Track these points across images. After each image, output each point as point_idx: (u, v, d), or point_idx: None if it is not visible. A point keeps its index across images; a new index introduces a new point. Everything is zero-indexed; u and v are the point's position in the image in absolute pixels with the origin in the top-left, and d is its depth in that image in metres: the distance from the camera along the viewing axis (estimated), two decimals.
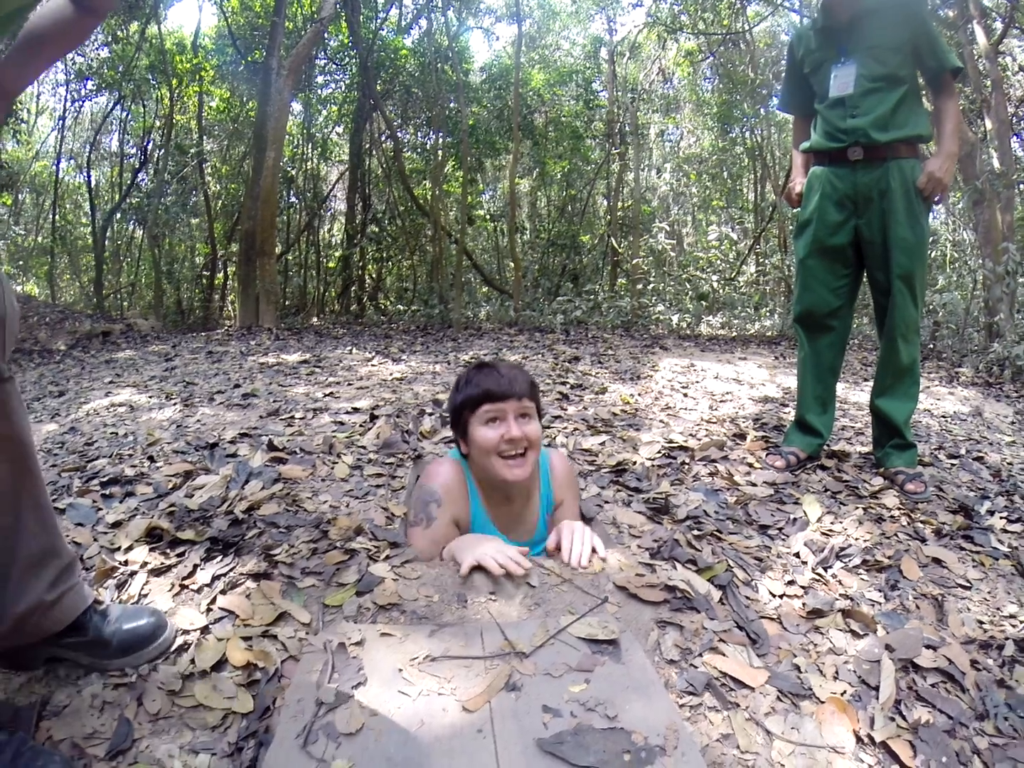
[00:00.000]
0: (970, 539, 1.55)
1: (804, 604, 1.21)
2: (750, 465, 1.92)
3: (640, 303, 7.26)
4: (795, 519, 1.56)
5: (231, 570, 1.16)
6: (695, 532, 1.44)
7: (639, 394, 3.02)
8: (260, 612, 1.05)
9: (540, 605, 1.15)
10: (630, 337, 5.82)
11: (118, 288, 10.66)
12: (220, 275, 9.30)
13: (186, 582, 1.12)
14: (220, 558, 1.20)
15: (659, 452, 2.00)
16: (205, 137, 8.94)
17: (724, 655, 1.09)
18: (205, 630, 1.01)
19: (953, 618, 1.22)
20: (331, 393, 2.78)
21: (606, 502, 1.62)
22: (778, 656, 1.11)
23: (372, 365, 3.83)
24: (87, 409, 2.71)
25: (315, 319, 8.30)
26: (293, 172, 8.84)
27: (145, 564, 1.16)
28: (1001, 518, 1.68)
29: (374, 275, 10.24)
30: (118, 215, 9.77)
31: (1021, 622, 1.23)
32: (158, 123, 8.48)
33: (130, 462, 1.74)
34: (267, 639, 1.01)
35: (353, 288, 9.69)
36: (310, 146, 9.47)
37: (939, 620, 1.22)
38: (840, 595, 1.25)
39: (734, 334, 6.49)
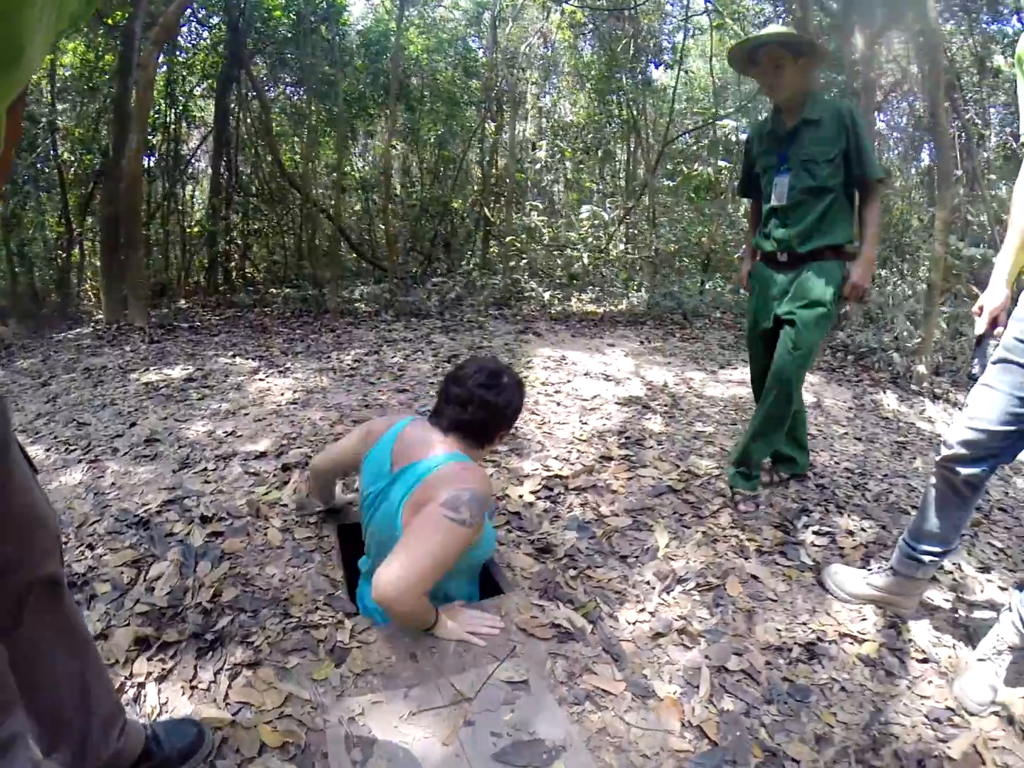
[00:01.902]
0: (784, 554, 2.09)
1: (651, 628, 1.70)
2: (614, 492, 2.41)
3: (513, 279, 7.64)
4: (647, 548, 2.05)
5: (224, 663, 1.44)
6: (571, 571, 1.89)
7: None
8: (269, 698, 1.35)
9: (468, 651, 1.54)
10: (504, 320, 6.19)
11: None
12: (76, 253, 8.45)
13: (193, 683, 1.39)
14: (209, 654, 1.46)
15: (539, 484, 2.43)
16: (58, 102, 7.92)
17: (596, 673, 1.55)
18: (233, 723, 1.30)
19: (759, 628, 1.74)
20: (232, 432, 2.90)
21: (501, 544, 2.03)
22: (633, 669, 1.58)
23: (260, 379, 3.92)
24: None
25: (183, 301, 7.90)
26: (152, 139, 8.14)
27: (149, 674, 1.40)
28: (813, 532, 2.22)
29: (241, 248, 9.78)
30: None
31: (809, 628, 1.76)
32: None
33: (73, 554, 1.86)
34: (285, 719, 1.32)
35: (220, 263, 9.24)
36: (172, 110, 8.70)
37: (749, 630, 1.73)
38: (677, 616, 1.75)
39: (603, 310, 7.08)
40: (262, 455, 2.60)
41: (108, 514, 2.12)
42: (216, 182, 8.96)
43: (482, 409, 1.61)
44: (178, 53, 8.38)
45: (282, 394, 3.56)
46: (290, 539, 1.97)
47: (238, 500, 2.19)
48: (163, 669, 1.42)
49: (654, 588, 1.86)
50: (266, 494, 2.23)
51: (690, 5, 8.92)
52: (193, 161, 10.17)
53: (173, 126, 8.78)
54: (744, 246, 2.70)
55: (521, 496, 2.33)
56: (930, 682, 1.63)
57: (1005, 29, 9.93)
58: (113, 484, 2.38)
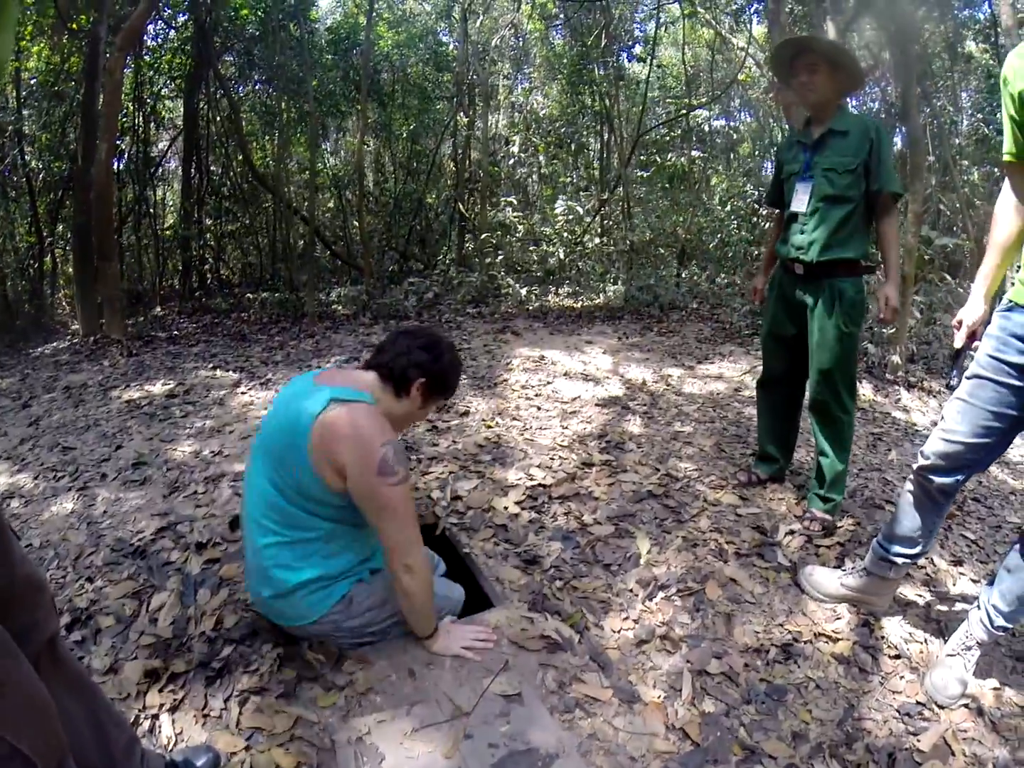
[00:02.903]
0: (762, 556, 2.18)
1: (635, 635, 1.79)
2: (596, 499, 2.50)
3: (489, 275, 7.68)
4: (630, 556, 2.14)
5: (232, 691, 1.50)
6: (558, 582, 1.98)
7: (498, 414, 3.49)
8: (278, 722, 1.42)
9: (463, 666, 1.62)
10: (482, 319, 6.24)
11: None
12: (47, 261, 8.30)
13: (205, 711, 1.45)
14: (217, 682, 1.52)
15: (523, 494, 2.50)
16: (23, 108, 7.72)
17: (584, 682, 1.64)
18: (247, 748, 1.37)
19: (738, 630, 1.84)
20: (219, 452, 2.93)
21: (490, 557, 2.11)
22: (619, 675, 1.67)
23: (242, 392, 3.94)
24: None
25: (158, 308, 7.83)
26: (120, 142, 8.00)
27: (162, 705, 1.45)
28: (788, 533, 2.32)
29: (215, 251, 9.68)
30: None
31: (786, 629, 1.86)
32: None
33: (72, 588, 1.90)
34: (296, 741, 1.40)
35: (194, 267, 9.15)
36: (140, 112, 8.54)
37: (728, 633, 1.83)
38: (660, 622, 1.85)
39: (580, 305, 7.15)
40: None
41: (103, 544, 2.16)
42: (187, 184, 8.85)
43: (402, 355, 1.59)
44: (145, 54, 8.23)
45: (265, 408, 3.59)
46: None
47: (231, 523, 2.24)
48: (174, 700, 1.48)
49: (637, 596, 1.95)
50: None
51: None
52: (163, 163, 10.01)
53: (141, 128, 8.63)
54: (762, 257, 2.73)
55: (506, 508, 2.40)
56: (902, 677, 1.73)
57: (976, 15, 10.11)
58: (105, 512, 2.41)
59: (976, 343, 1.65)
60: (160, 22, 8.22)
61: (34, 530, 2.32)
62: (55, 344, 5.84)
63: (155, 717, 1.44)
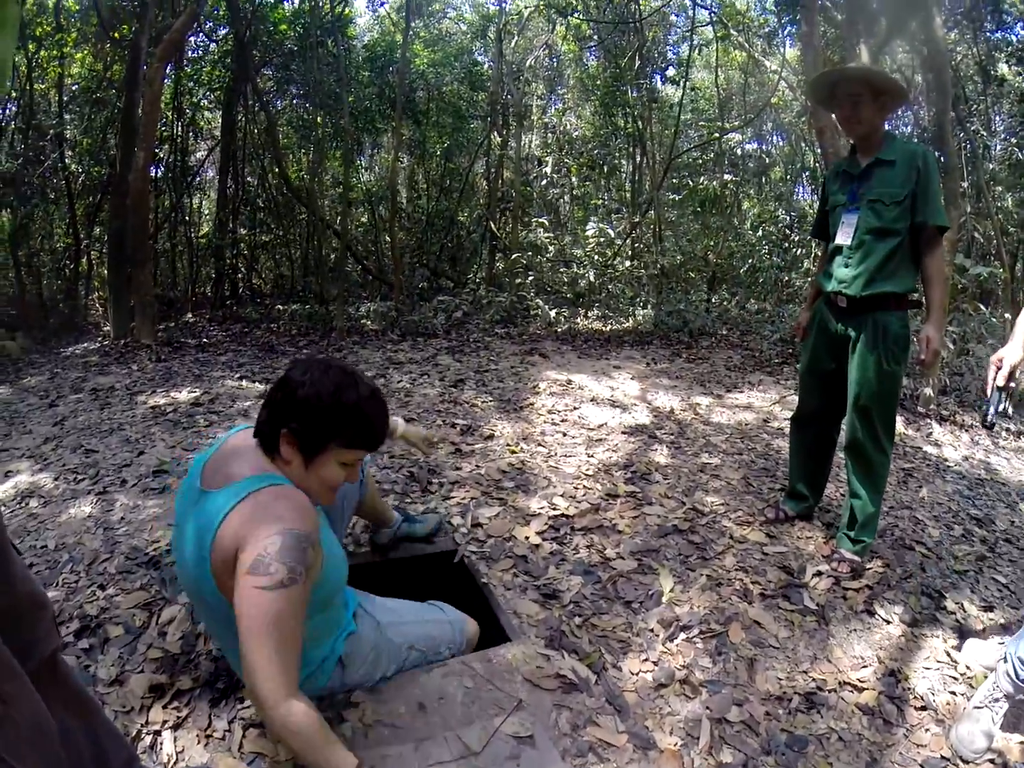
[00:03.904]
0: (788, 598, 2.10)
1: (654, 677, 1.71)
2: (620, 532, 2.43)
3: (519, 296, 7.68)
4: (652, 593, 2.07)
5: (236, 713, 1.46)
6: (577, 618, 1.91)
7: (523, 439, 3.44)
8: (282, 748, 1.37)
9: (475, 702, 1.56)
10: (510, 339, 6.22)
11: None
12: (83, 262, 8.52)
13: (208, 732, 1.41)
14: (223, 702, 1.49)
15: (545, 524, 2.44)
16: (65, 113, 7.98)
17: (599, 725, 1.57)
18: None
19: (760, 676, 1.76)
20: None
21: (508, 589, 2.05)
22: (635, 720, 1.60)
23: None
24: None
25: (190, 315, 7.96)
26: (159, 150, 8.22)
27: (165, 722, 1.42)
28: (814, 574, 2.23)
29: (248, 261, 9.85)
30: None
31: (810, 676, 1.78)
32: (13, 93, 7.47)
33: (84, 594, 1.89)
34: None
35: (227, 275, 9.31)
36: (179, 122, 8.77)
37: (750, 679, 1.75)
38: (680, 665, 1.77)
39: (609, 329, 7.10)
40: None
41: (118, 551, 2.15)
42: (223, 194, 9.05)
43: (266, 406, 1.30)
44: (185, 65, 8.46)
45: None
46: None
47: None
48: (178, 717, 1.45)
49: (658, 636, 1.88)
50: None
51: (695, 16, 8.95)
52: (200, 173, 10.25)
53: (180, 138, 8.86)
54: (810, 289, 2.64)
55: (527, 538, 2.34)
56: (927, 730, 1.65)
57: (1009, 37, 9.94)
58: (122, 519, 2.41)
59: (1012, 384, 1.66)
60: (201, 35, 8.47)
61: (51, 531, 2.31)
62: (85, 345, 5.95)
63: (157, 734, 1.41)
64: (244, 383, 4.51)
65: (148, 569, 2.05)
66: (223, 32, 8.63)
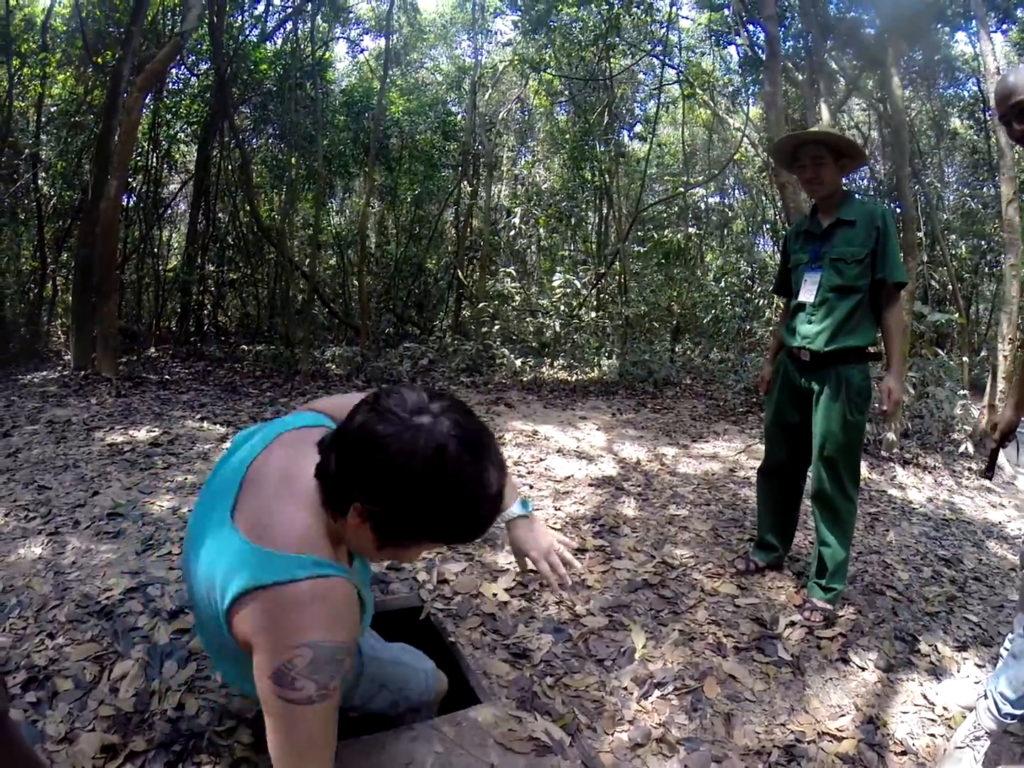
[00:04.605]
0: (762, 650, 2.08)
1: (630, 737, 1.67)
2: (589, 588, 2.38)
3: (485, 344, 7.72)
4: (624, 650, 2.02)
5: None
6: (549, 678, 1.85)
7: None
8: None
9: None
10: (475, 388, 6.21)
11: None
12: (48, 287, 8.29)
13: None
14: (180, 765, 1.40)
15: (514, 581, 2.37)
16: (42, 134, 7.85)
17: None
18: None
19: (738, 731, 1.73)
20: None
21: (477, 648, 1.98)
22: None
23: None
24: None
25: (152, 349, 7.77)
26: (132, 180, 8.13)
27: None
28: (787, 625, 2.22)
29: (214, 298, 9.71)
30: None
31: (788, 728, 1.76)
32: None
33: (32, 643, 1.77)
34: None
35: (192, 311, 9.16)
36: (155, 153, 8.72)
37: (727, 735, 1.72)
38: (656, 723, 1.73)
39: (574, 379, 7.16)
40: None
41: (69, 598, 2.03)
42: (193, 229, 8.97)
43: (335, 446, 0.96)
44: (165, 97, 8.47)
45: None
46: None
47: None
48: None
49: (632, 694, 1.84)
50: None
51: (663, 75, 9.41)
52: (172, 206, 10.18)
53: (155, 169, 8.81)
54: (772, 343, 2.72)
55: (495, 594, 2.28)
56: None
57: (961, 92, 10.67)
58: (74, 563, 2.29)
59: (1007, 443, 1.90)
60: (183, 68, 8.51)
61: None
62: (45, 373, 5.75)
63: None
64: (205, 424, 4.39)
65: (100, 619, 1.93)
66: (204, 67, 8.72)
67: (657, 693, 1.85)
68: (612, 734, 1.68)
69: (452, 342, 7.92)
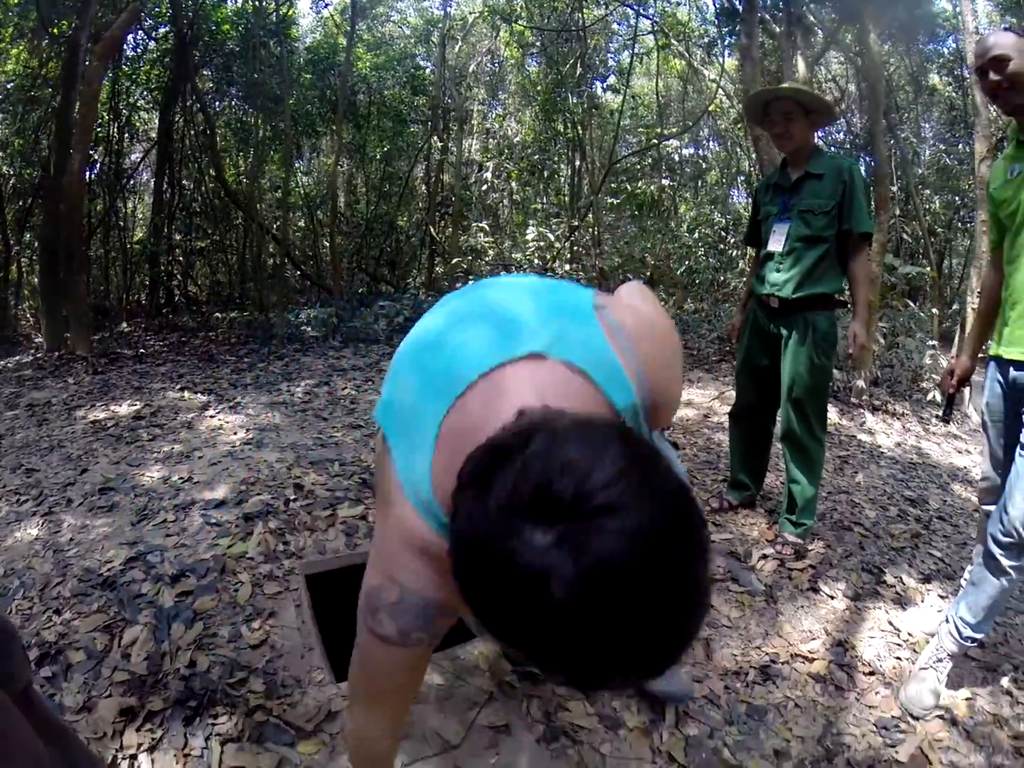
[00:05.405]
0: (737, 580, 2.21)
1: None
2: None
3: None
4: None
5: (213, 730, 1.45)
6: None
7: None
8: (263, 761, 1.38)
9: (448, 698, 1.60)
10: None
11: None
12: (13, 270, 8.07)
13: (186, 751, 1.40)
14: (197, 720, 1.48)
15: None
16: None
17: (569, 710, 1.65)
18: None
19: (716, 654, 1.87)
20: (188, 478, 2.85)
21: None
22: (603, 703, 1.67)
23: (210, 416, 3.86)
24: None
25: (125, 324, 7.66)
26: (93, 152, 7.86)
27: (140, 745, 1.40)
28: (761, 557, 2.36)
29: (183, 267, 9.53)
30: None
31: (763, 651, 1.89)
32: None
33: (40, 621, 1.82)
34: None
35: (162, 282, 9.00)
36: (115, 123, 8.41)
37: (707, 657, 1.86)
38: None
39: None
40: (221, 503, 2.57)
41: (71, 574, 2.08)
42: (158, 198, 8.74)
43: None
44: (124, 63, 8.14)
45: (235, 433, 3.52)
46: (260, 594, 1.98)
47: (202, 554, 2.17)
48: (153, 739, 1.43)
49: None
50: (230, 547, 2.22)
51: (637, 25, 9.21)
52: (135, 176, 9.88)
53: (116, 139, 8.52)
54: (743, 293, 2.80)
55: None
56: (877, 693, 1.79)
57: (941, 49, 10.61)
58: (72, 540, 2.33)
59: (962, 388, 2.03)
60: (141, 32, 8.16)
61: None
62: (18, 358, 5.66)
63: (133, 757, 1.39)
64: (186, 394, 4.38)
65: (104, 590, 1.99)
66: (164, 30, 8.35)
67: None
68: None
69: (426, 299, 7.90)
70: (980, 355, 2.02)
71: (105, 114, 8.06)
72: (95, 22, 6.06)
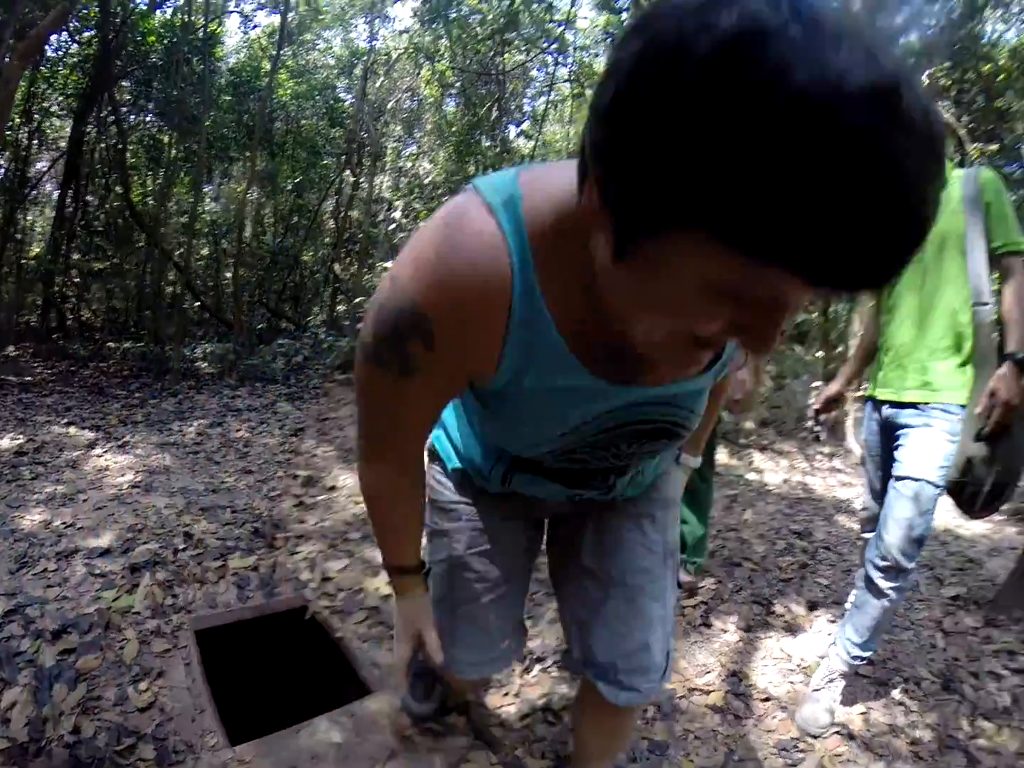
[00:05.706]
0: None
1: (517, 709, 1.84)
2: None
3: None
4: None
5: None
6: None
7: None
8: None
9: (348, 757, 1.59)
10: (350, 386, 6.17)
11: None
12: None
13: None
14: None
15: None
16: None
17: (472, 761, 1.65)
18: None
19: None
20: (71, 524, 2.69)
21: (364, 641, 2.06)
22: (506, 752, 1.71)
23: (97, 455, 3.67)
24: None
25: (12, 347, 7.10)
26: None
27: None
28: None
29: (79, 290, 8.97)
30: None
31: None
32: None
33: None
34: None
35: (55, 304, 8.43)
36: (25, 127, 7.85)
37: None
38: (540, 695, 1.91)
39: None
40: (106, 552, 2.43)
41: None
42: (60, 213, 8.23)
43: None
44: (43, 65, 7.69)
45: (122, 474, 3.36)
46: (147, 652, 1.90)
47: (85, 607, 2.05)
48: None
49: (515, 670, 2.00)
50: (115, 600, 2.11)
51: (555, 73, 9.63)
52: (38, 186, 9.27)
53: (24, 144, 7.99)
54: None
55: (378, 588, 2.36)
56: (774, 717, 1.89)
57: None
58: None
59: (829, 411, 2.25)
60: (65, 34, 7.72)
61: None
62: None
63: None
64: (72, 429, 4.14)
65: None
66: (88, 34, 7.93)
67: (538, 667, 2.03)
68: (501, 708, 1.85)
69: (326, 339, 7.79)
70: (854, 390, 2.29)
71: (16, 117, 7.55)
72: (20, 19, 5.69)
